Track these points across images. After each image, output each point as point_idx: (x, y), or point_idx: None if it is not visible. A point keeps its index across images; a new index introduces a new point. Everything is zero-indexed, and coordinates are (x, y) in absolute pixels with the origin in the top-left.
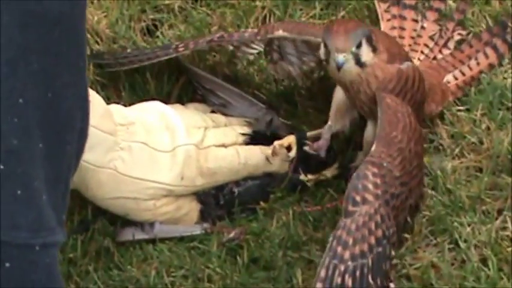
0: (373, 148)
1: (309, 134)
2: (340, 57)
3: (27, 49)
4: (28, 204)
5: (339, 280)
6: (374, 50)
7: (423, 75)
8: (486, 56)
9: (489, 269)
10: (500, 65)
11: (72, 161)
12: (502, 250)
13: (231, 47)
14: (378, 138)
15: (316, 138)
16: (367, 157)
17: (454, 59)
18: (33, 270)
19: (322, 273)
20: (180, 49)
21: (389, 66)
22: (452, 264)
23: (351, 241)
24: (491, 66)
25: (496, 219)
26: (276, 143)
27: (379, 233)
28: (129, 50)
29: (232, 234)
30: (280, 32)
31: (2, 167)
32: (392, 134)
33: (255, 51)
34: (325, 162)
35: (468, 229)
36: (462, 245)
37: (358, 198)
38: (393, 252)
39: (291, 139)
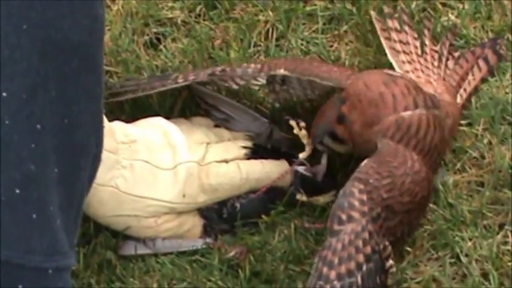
0: (362, 163)
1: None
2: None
3: (46, 76)
4: (43, 229)
5: None
6: (342, 142)
7: (446, 112)
8: (479, 69)
9: (490, 284)
10: (499, 79)
11: (85, 186)
12: (503, 265)
13: (234, 86)
14: (371, 157)
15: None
16: (355, 173)
17: (458, 75)
18: None
19: None
20: (180, 80)
21: (374, 127)
22: (454, 279)
23: (336, 261)
24: (483, 80)
25: (498, 233)
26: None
27: (368, 249)
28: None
29: (232, 253)
30: (281, 71)
31: (18, 191)
32: (388, 159)
33: (258, 83)
34: (321, 187)
35: (469, 243)
36: (463, 259)
37: (343, 217)
38: (390, 262)
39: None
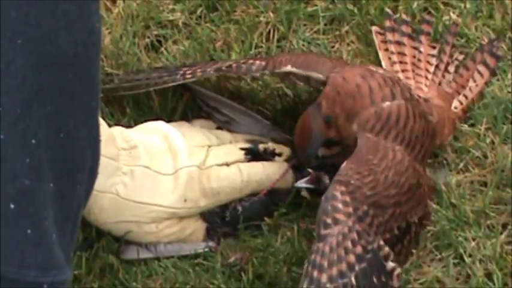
0: (342, 166)
1: None
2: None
3: (41, 90)
4: (38, 244)
5: None
6: (328, 146)
7: (428, 106)
8: (481, 75)
9: (494, 284)
10: (501, 79)
11: (81, 200)
12: (507, 264)
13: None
14: (349, 158)
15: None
16: (335, 176)
17: (457, 84)
18: None
19: None
20: (188, 76)
21: (356, 117)
22: (457, 279)
23: (326, 264)
24: (486, 84)
25: (501, 233)
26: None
27: (359, 249)
28: (135, 75)
29: (232, 259)
30: (288, 68)
31: (12, 206)
32: (368, 156)
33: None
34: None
35: (473, 244)
36: (467, 259)
37: (329, 221)
38: (392, 264)
39: (285, 149)
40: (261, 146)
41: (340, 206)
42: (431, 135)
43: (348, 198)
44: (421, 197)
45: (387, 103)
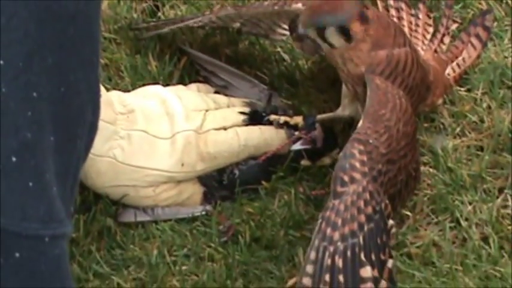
0: (359, 124)
1: (319, 117)
2: (301, 28)
3: (43, 44)
4: (39, 196)
5: (329, 261)
6: (348, 39)
7: (426, 63)
8: (474, 47)
9: (490, 247)
10: (498, 44)
11: (82, 154)
12: (503, 228)
13: (262, 32)
14: (365, 115)
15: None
16: (354, 134)
17: (452, 54)
18: (43, 261)
19: (312, 255)
20: (206, 13)
21: (378, 52)
22: (454, 243)
23: (340, 222)
24: (478, 57)
25: (497, 197)
26: (282, 118)
27: (369, 209)
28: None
29: (221, 227)
30: (299, 5)
31: (14, 159)
32: (381, 112)
33: (284, 36)
34: (324, 150)
35: (469, 207)
36: (463, 223)
37: (346, 178)
38: (391, 221)
39: (298, 120)
40: (272, 117)
41: (357, 164)
42: (427, 87)
43: (365, 158)
44: (416, 143)
45: (397, 49)
